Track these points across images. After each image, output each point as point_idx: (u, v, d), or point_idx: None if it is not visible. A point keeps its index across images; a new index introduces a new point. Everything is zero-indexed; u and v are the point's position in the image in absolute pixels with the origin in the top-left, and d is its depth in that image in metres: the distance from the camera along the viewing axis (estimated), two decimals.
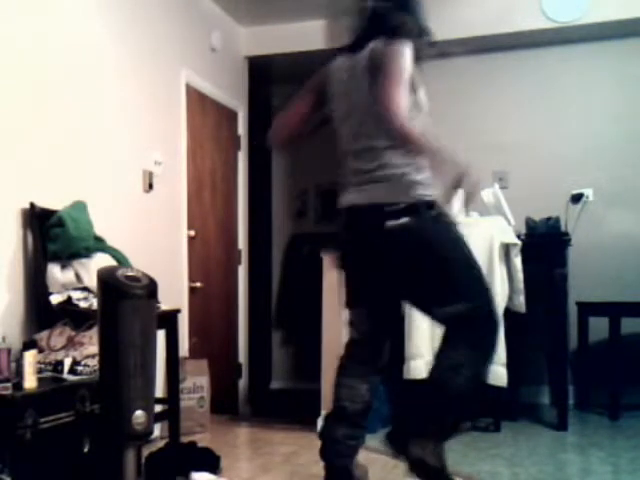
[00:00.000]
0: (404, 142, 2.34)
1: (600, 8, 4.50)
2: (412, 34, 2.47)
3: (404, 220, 2.40)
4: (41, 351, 2.65)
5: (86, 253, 2.98)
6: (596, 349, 4.41)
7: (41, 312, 2.90)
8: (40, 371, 2.55)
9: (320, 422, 3.48)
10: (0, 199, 2.83)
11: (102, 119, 3.51)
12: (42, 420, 2.35)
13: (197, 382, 4.05)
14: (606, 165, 4.73)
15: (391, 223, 2.41)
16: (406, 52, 2.39)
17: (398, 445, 2.49)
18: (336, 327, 3.67)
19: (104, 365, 2.30)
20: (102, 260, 2.98)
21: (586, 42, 4.75)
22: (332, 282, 3.53)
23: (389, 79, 2.36)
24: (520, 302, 3.89)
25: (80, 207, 3.08)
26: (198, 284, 4.48)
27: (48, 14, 3.13)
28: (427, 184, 2.47)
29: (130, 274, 2.34)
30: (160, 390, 3.53)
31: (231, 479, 3.00)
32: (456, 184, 2.31)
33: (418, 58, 2.51)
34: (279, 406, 5.17)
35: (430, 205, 2.44)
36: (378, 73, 2.41)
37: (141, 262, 3.06)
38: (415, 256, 2.44)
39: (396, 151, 2.43)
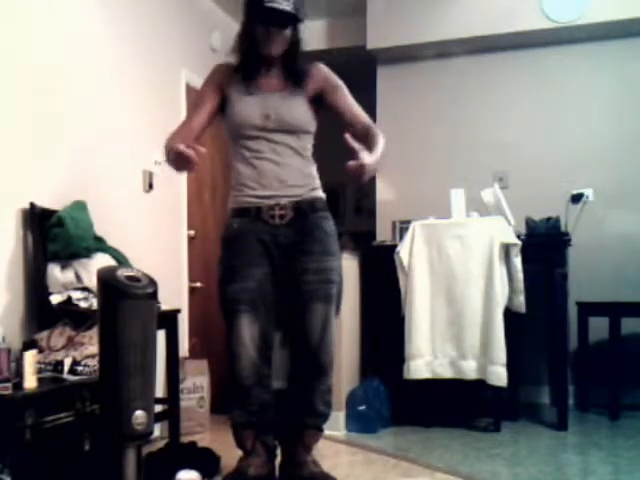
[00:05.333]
0: None
1: (600, 8, 4.51)
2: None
3: None
4: (41, 351, 2.65)
5: (86, 253, 2.98)
6: (596, 349, 4.41)
7: (41, 312, 2.89)
8: (40, 371, 2.54)
9: None
10: (0, 199, 2.83)
11: (102, 119, 3.51)
12: (42, 420, 2.35)
13: (197, 382, 4.05)
14: (606, 165, 4.73)
15: None
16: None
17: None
18: (336, 327, 3.66)
19: (104, 365, 2.30)
20: (102, 260, 2.98)
21: (586, 42, 4.75)
22: None
23: None
24: (520, 302, 3.89)
25: (80, 207, 3.08)
26: (198, 284, 4.48)
27: (48, 14, 3.13)
28: (233, 191, 2.76)
29: (130, 274, 2.33)
30: (160, 390, 3.53)
31: None
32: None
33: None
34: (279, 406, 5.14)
35: (232, 212, 2.75)
36: None
37: (141, 262, 3.06)
38: None
39: None
